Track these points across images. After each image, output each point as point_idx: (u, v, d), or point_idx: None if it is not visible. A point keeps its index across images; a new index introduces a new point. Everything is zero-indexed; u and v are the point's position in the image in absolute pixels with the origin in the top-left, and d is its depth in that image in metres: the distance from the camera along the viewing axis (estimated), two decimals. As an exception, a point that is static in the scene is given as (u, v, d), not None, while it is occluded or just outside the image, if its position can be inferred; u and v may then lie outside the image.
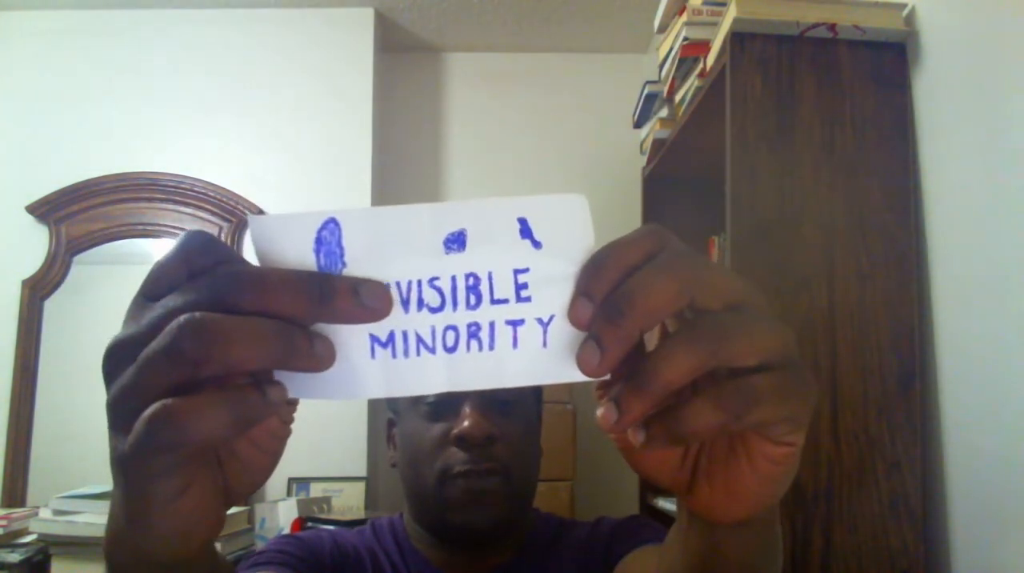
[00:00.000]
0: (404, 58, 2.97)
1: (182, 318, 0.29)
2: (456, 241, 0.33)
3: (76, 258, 2.58)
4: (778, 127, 1.27)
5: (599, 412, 0.32)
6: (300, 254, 0.32)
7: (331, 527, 1.08)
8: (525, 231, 0.33)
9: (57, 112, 2.64)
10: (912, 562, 1.18)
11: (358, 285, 0.31)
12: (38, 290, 2.55)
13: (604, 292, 0.32)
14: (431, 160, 2.96)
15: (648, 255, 0.33)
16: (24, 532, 1.71)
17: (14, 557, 1.49)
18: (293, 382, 0.32)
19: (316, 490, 2.39)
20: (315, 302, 0.30)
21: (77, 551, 1.60)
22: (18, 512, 1.86)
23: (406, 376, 0.33)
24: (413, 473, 0.80)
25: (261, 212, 2.60)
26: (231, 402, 0.30)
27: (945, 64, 1.21)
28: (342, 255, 0.32)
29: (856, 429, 1.20)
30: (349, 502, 2.41)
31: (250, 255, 0.33)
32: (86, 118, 2.64)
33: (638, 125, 2.11)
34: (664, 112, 1.88)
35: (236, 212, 2.59)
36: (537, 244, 0.33)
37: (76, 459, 2.33)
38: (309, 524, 1.86)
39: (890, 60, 1.29)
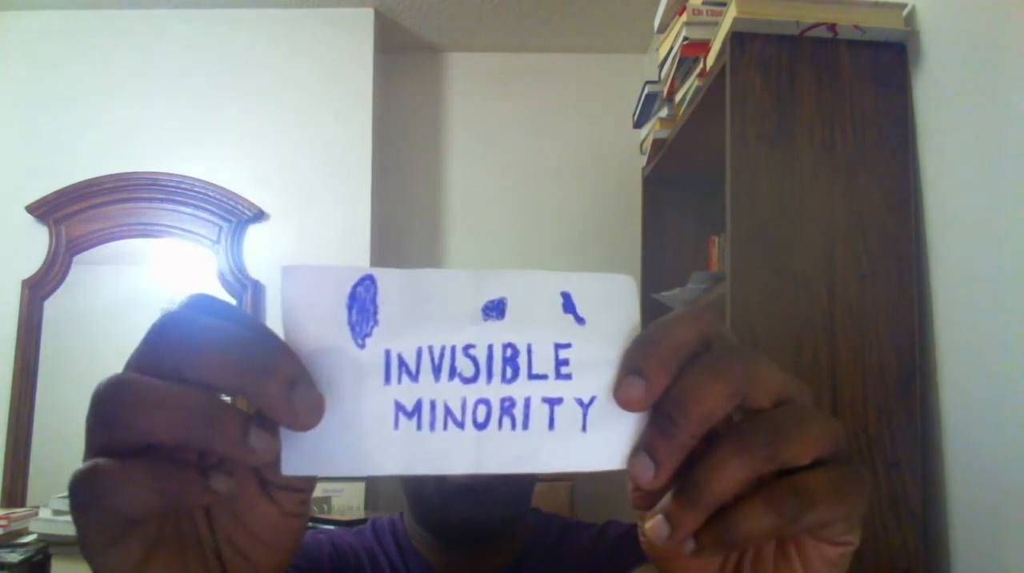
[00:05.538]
0: (404, 58, 2.97)
1: (106, 378, 0.28)
2: (495, 309, 0.31)
3: (76, 258, 2.58)
4: (778, 127, 1.27)
5: (648, 525, 0.31)
6: (332, 308, 0.30)
7: (330, 527, 1.08)
8: (568, 306, 0.31)
9: (57, 112, 2.64)
10: (912, 562, 1.18)
11: (298, 378, 0.28)
12: (38, 290, 2.55)
13: (657, 372, 0.30)
14: (431, 160, 2.95)
15: (697, 337, 0.31)
16: (24, 532, 1.71)
17: (14, 557, 1.49)
18: (295, 454, 0.29)
19: (316, 490, 2.39)
20: (245, 370, 0.27)
21: (77, 551, 1.60)
22: (18, 512, 1.86)
23: (429, 452, 0.30)
24: None
25: (261, 212, 2.61)
26: (159, 475, 0.28)
27: (945, 64, 1.21)
28: (375, 313, 0.30)
29: (856, 429, 1.20)
30: (349, 502, 2.40)
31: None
32: (86, 118, 2.63)
33: (638, 125, 2.11)
34: (664, 112, 1.88)
35: (236, 212, 2.59)
36: (580, 320, 0.31)
37: (76, 459, 2.30)
38: (309, 524, 1.86)
39: (890, 60, 1.29)
